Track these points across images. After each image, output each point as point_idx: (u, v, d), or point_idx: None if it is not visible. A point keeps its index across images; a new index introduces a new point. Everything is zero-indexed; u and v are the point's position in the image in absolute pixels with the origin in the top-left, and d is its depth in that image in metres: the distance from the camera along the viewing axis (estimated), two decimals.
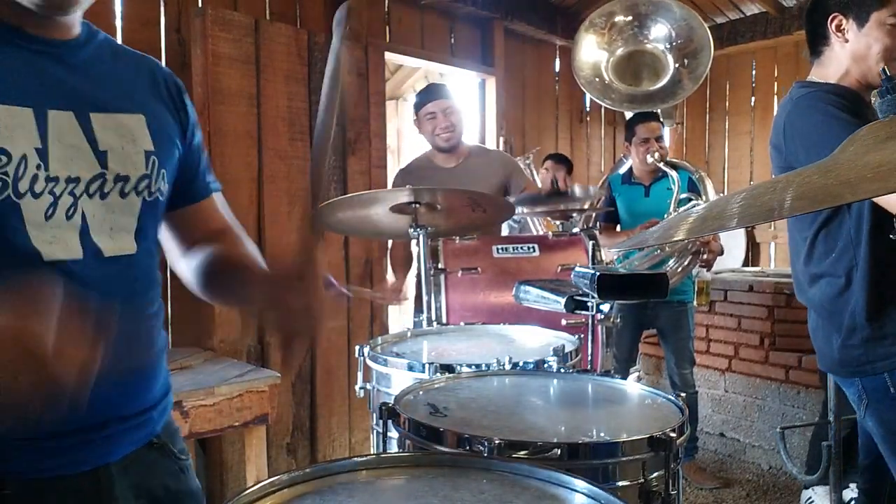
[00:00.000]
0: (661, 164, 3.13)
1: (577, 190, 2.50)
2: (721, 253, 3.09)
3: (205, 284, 1.08)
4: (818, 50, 1.73)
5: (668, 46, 3.56)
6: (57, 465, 0.88)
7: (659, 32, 3.58)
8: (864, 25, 1.62)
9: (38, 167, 0.85)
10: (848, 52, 1.65)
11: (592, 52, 3.65)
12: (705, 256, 2.95)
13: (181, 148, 1.05)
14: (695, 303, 3.34)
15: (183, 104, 1.07)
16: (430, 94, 2.99)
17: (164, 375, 1.05)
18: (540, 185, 3.99)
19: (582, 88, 3.76)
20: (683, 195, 3.04)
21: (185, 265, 1.12)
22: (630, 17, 3.58)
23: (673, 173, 3.05)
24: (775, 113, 1.76)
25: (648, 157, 3.16)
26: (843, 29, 1.65)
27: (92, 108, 0.92)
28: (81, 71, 0.94)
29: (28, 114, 0.85)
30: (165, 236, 1.13)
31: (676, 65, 3.55)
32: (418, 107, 2.97)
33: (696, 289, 3.34)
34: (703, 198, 3.09)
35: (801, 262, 1.70)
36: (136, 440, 0.98)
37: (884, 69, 1.37)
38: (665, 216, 2.99)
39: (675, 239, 1.82)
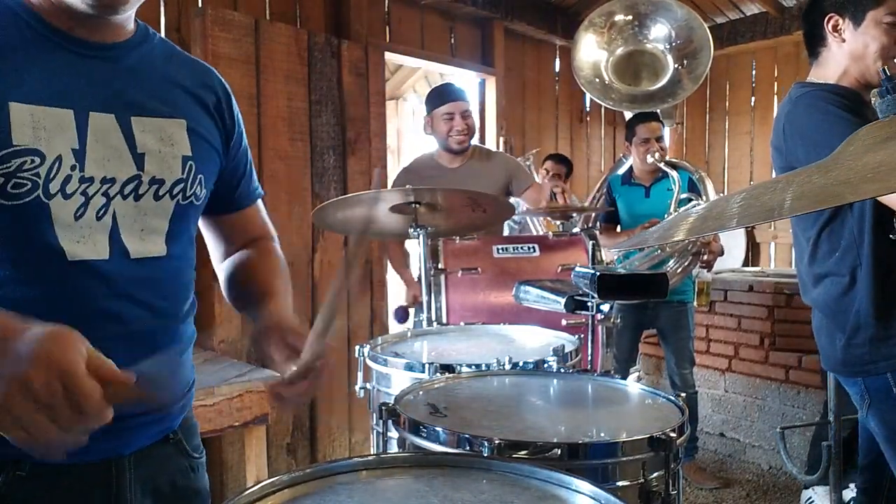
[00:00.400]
0: (662, 165, 3.13)
1: (576, 201, 2.50)
2: (721, 254, 3.09)
3: (230, 298, 1.13)
4: (816, 51, 1.73)
5: (668, 46, 3.55)
6: (70, 453, 0.89)
7: (659, 32, 3.57)
8: (860, 25, 1.62)
9: (73, 168, 0.86)
10: (845, 52, 1.65)
11: (592, 51, 3.64)
12: (706, 257, 2.95)
13: (222, 156, 1.07)
14: (695, 303, 3.34)
15: (230, 112, 1.08)
16: (448, 94, 2.94)
17: (188, 371, 1.06)
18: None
19: (582, 88, 3.76)
20: (683, 195, 3.03)
21: (221, 272, 1.16)
22: (630, 17, 3.57)
23: (673, 173, 3.05)
24: (775, 114, 1.76)
25: (648, 157, 3.17)
26: (840, 29, 1.65)
27: (134, 112, 0.93)
28: (128, 73, 0.95)
29: (68, 115, 0.87)
30: (209, 240, 1.18)
31: (676, 65, 3.54)
32: (433, 105, 2.91)
33: (696, 289, 3.34)
34: (704, 198, 3.09)
35: (805, 263, 1.69)
36: (151, 435, 0.98)
37: (884, 69, 1.36)
38: (665, 216, 2.99)
39: (676, 239, 1.82)
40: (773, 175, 1.71)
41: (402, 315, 3.04)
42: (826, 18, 1.67)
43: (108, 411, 0.66)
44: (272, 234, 1.22)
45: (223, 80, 1.10)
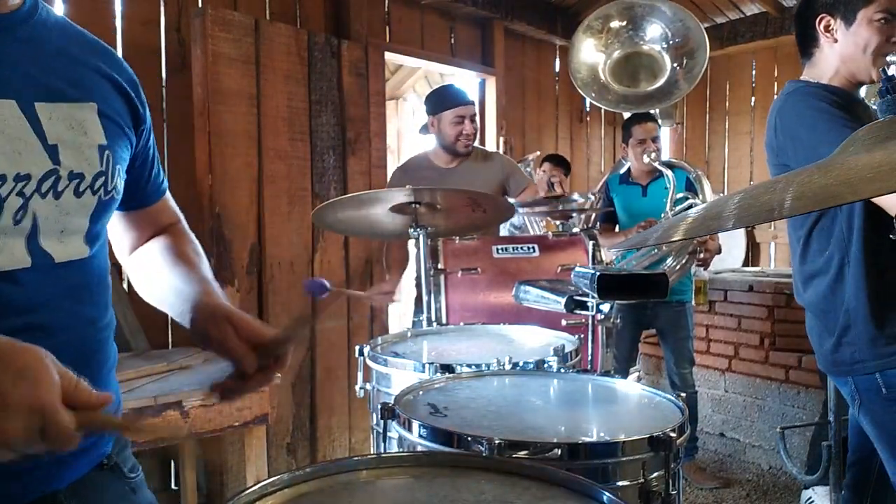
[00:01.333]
0: (657, 164, 3.13)
1: (576, 195, 2.50)
2: (718, 251, 3.09)
3: (144, 291, 1.05)
4: (809, 51, 1.73)
5: (665, 47, 3.56)
6: (2, 496, 0.81)
7: (655, 33, 3.58)
8: (851, 24, 1.62)
9: None
10: (837, 52, 1.65)
11: (590, 54, 3.65)
12: (702, 255, 2.95)
13: (133, 143, 0.97)
14: (693, 302, 3.34)
15: (139, 99, 0.99)
16: (458, 96, 2.95)
17: (114, 391, 0.97)
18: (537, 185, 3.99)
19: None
20: (680, 195, 3.04)
21: (132, 265, 1.08)
22: (625, 22, 3.58)
23: (669, 173, 3.05)
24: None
25: (645, 157, 3.17)
26: (832, 29, 1.65)
27: (37, 97, 0.82)
28: (22, 50, 0.82)
29: None
30: (115, 233, 1.08)
31: (674, 65, 3.55)
32: (441, 108, 2.90)
33: (694, 289, 3.34)
34: (700, 197, 3.09)
35: (797, 263, 1.70)
36: (85, 463, 0.90)
37: (883, 69, 1.37)
38: (662, 216, 3.00)
39: (675, 239, 1.82)
40: (771, 175, 1.72)
41: (318, 289, 2.41)
42: (818, 19, 1.67)
43: (80, 439, 0.63)
44: (180, 216, 1.13)
45: (127, 64, 1.00)
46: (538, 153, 4.52)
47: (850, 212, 1.55)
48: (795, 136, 1.59)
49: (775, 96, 6.13)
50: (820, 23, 1.67)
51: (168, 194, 1.11)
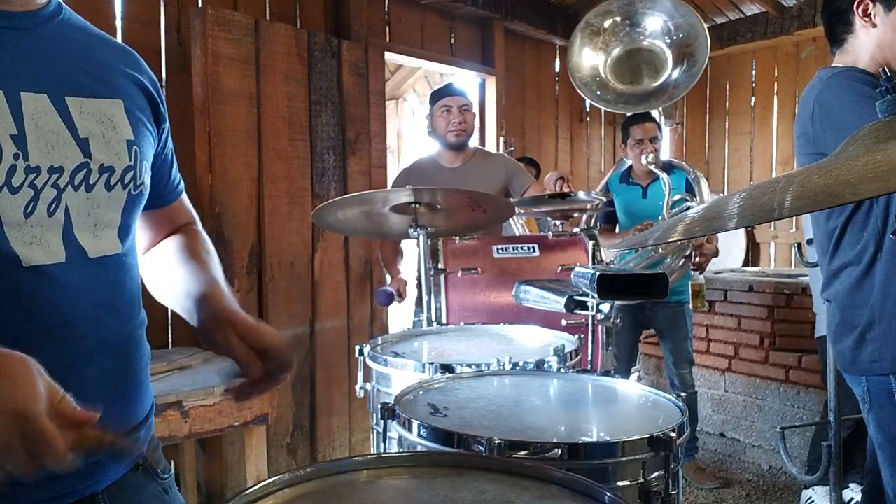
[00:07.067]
0: (653, 167, 3.12)
1: (581, 194, 2.50)
2: (716, 255, 3.08)
3: (157, 290, 1.05)
4: (840, 38, 1.68)
5: (666, 43, 3.56)
6: (42, 499, 0.81)
7: (654, 28, 3.58)
8: (892, 9, 1.57)
9: (17, 157, 0.76)
10: (874, 38, 1.60)
11: (589, 53, 3.65)
12: (697, 259, 2.94)
13: (156, 141, 0.99)
14: (690, 306, 3.33)
15: (160, 98, 1.00)
16: (447, 89, 3.05)
17: (149, 390, 0.98)
18: None
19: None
20: (678, 196, 3.03)
21: (145, 264, 1.07)
22: (624, 18, 3.58)
23: (664, 175, 3.04)
24: (798, 100, 1.71)
25: (643, 158, 3.17)
26: (871, 14, 1.60)
27: (68, 91, 0.83)
28: (52, 47, 0.84)
29: None
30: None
31: (675, 61, 3.54)
32: (434, 100, 3.01)
33: (690, 292, 3.33)
34: (698, 199, 3.08)
35: (826, 259, 1.64)
36: (122, 466, 0.91)
37: (884, 69, 1.35)
38: (659, 218, 2.99)
39: (674, 239, 1.82)
40: (795, 164, 1.67)
41: (385, 298, 2.95)
42: (856, 2, 1.62)
43: (73, 459, 0.60)
44: (196, 217, 1.13)
45: (147, 65, 1.01)
46: (512, 149, 4.49)
47: (886, 203, 1.49)
48: (838, 121, 1.52)
49: (775, 96, 6.11)
50: (858, 6, 1.62)
51: (184, 195, 1.12)
